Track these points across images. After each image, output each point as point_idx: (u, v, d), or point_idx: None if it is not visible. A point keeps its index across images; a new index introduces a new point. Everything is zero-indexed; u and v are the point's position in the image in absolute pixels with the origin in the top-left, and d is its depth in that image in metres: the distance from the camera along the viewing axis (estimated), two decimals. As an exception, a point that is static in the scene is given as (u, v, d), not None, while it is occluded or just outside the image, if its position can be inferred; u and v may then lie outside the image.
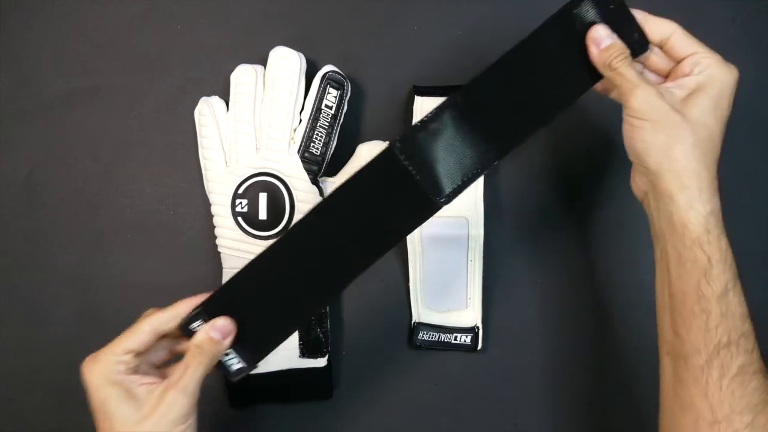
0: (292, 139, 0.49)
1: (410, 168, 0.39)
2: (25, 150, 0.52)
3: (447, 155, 0.39)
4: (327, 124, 0.49)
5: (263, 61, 0.49)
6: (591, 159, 0.52)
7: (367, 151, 0.50)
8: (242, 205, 0.49)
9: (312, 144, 0.49)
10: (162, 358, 0.41)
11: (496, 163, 0.40)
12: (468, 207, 0.50)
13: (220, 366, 0.40)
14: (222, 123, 0.49)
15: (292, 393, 0.51)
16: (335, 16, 0.52)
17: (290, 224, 0.49)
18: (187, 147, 0.51)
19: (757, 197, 0.52)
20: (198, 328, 0.39)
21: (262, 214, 0.49)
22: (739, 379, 0.35)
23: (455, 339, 0.51)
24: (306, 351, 0.50)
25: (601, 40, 0.39)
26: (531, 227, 0.52)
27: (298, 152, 0.49)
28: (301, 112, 0.49)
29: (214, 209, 0.49)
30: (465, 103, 0.40)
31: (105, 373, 0.37)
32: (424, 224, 0.50)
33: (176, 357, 0.41)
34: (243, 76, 0.49)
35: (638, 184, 0.40)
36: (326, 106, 0.48)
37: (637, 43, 0.39)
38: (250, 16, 0.52)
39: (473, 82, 0.40)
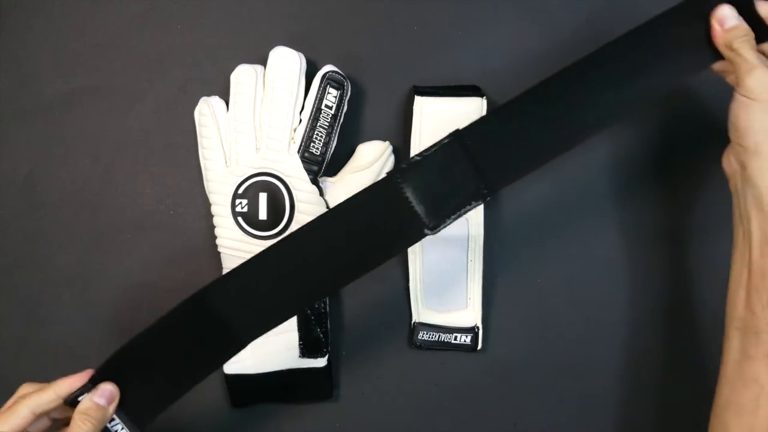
0: (292, 139, 0.49)
1: (407, 196, 0.40)
2: (25, 150, 0.52)
3: (443, 187, 0.40)
4: (327, 124, 0.49)
5: (263, 61, 0.49)
6: (591, 159, 0.52)
7: (367, 151, 0.50)
8: (242, 205, 0.49)
9: (312, 144, 0.49)
10: (44, 427, 0.40)
11: (488, 199, 0.41)
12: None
13: None
14: (222, 123, 0.49)
15: (292, 393, 0.51)
16: (335, 16, 0.52)
17: (290, 224, 0.49)
18: (187, 147, 0.51)
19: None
20: (83, 397, 0.39)
21: (262, 214, 0.49)
22: None
23: (455, 339, 0.51)
24: (306, 351, 0.50)
25: (726, 19, 0.40)
26: (531, 227, 0.52)
27: (298, 152, 0.49)
28: (301, 112, 0.49)
29: (214, 209, 0.49)
30: (469, 138, 0.40)
31: None
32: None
33: (58, 423, 0.40)
34: (243, 76, 0.49)
35: (731, 162, 0.41)
36: (326, 106, 0.48)
37: (759, 31, 0.40)
38: (250, 16, 0.52)
39: (481, 120, 0.41)
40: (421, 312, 0.51)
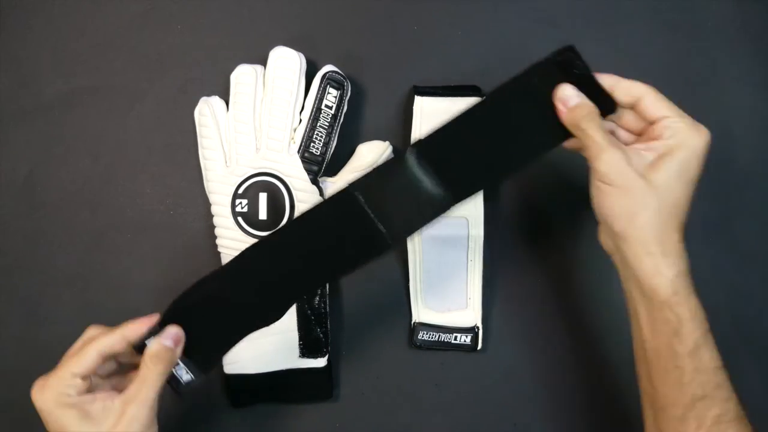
0: (292, 139, 0.49)
1: (367, 209, 0.40)
2: (25, 150, 0.52)
3: (403, 199, 0.40)
4: (327, 124, 0.49)
5: (263, 61, 0.49)
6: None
7: (367, 151, 0.50)
8: (242, 205, 0.49)
9: (312, 144, 0.49)
10: (113, 369, 0.40)
11: (450, 208, 0.41)
12: (468, 207, 0.50)
13: (172, 379, 0.40)
14: (222, 123, 0.49)
15: (292, 393, 0.51)
16: (335, 16, 0.52)
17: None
18: (187, 147, 0.51)
19: (755, 199, 0.52)
20: (150, 341, 0.39)
21: (262, 214, 0.49)
22: (716, 429, 0.36)
23: (455, 339, 0.51)
24: (306, 351, 0.50)
25: (569, 99, 0.39)
26: (531, 227, 0.52)
27: (298, 152, 0.49)
28: (301, 112, 0.49)
29: (214, 209, 0.49)
30: (425, 151, 0.41)
31: (57, 397, 0.36)
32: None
33: (125, 367, 0.41)
34: (243, 76, 0.49)
35: (606, 241, 0.41)
36: (326, 106, 0.48)
37: (603, 105, 0.39)
38: (250, 16, 0.52)
39: (436, 132, 0.41)
40: (421, 312, 0.51)
